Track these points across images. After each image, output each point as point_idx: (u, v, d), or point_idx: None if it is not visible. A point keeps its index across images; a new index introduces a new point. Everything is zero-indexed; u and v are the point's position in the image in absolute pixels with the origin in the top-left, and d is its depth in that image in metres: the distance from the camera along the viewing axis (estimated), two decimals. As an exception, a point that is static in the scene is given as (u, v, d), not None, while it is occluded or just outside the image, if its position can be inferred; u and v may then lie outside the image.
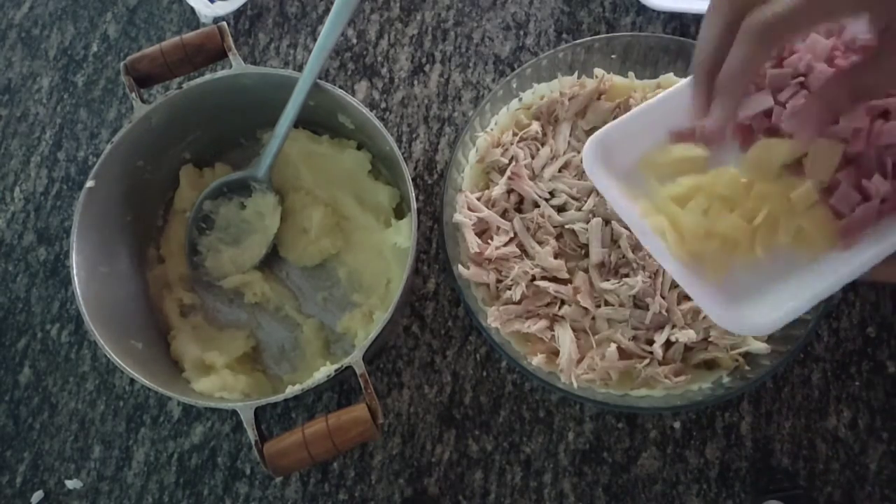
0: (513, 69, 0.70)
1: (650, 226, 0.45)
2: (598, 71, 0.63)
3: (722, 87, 0.38)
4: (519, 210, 0.61)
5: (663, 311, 0.56)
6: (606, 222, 0.59)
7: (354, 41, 0.73)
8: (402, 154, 0.58)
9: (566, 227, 0.59)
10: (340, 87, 0.67)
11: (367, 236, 0.64)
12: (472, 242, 0.59)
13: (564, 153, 0.62)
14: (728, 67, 0.37)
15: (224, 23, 0.61)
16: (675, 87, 0.47)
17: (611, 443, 0.60)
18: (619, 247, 0.58)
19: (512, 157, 0.61)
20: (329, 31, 0.58)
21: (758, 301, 0.44)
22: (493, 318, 0.57)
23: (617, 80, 0.63)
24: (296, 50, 0.73)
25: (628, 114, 0.48)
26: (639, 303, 0.57)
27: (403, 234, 0.60)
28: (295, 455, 0.50)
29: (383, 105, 0.71)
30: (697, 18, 0.70)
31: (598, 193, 0.59)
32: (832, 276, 0.42)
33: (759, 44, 0.36)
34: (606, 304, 0.58)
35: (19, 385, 0.67)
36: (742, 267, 0.45)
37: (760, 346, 0.55)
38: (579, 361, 0.56)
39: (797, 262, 0.44)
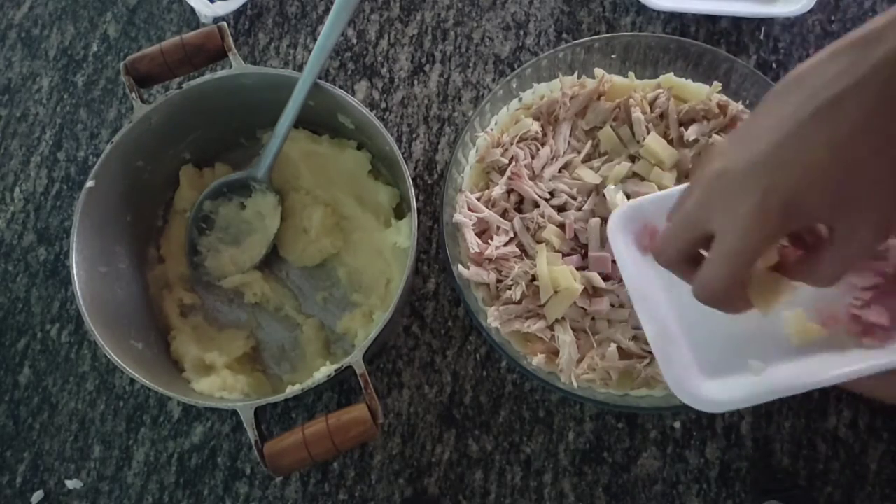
0: (513, 69, 0.70)
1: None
2: (598, 71, 0.63)
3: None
4: (519, 210, 0.61)
5: (663, 311, 0.56)
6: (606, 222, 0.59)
7: (354, 41, 0.73)
8: (402, 154, 0.58)
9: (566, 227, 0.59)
10: (340, 87, 0.67)
11: (367, 236, 0.64)
12: (472, 242, 0.59)
13: (564, 153, 0.62)
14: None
15: (224, 23, 0.61)
16: None
17: (611, 443, 0.60)
18: (619, 247, 0.58)
19: (512, 157, 0.61)
20: (329, 31, 0.58)
21: (724, 380, 0.45)
22: (493, 318, 0.57)
23: (617, 80, 0.63)
24: (296, 50, 0.73)
25: (663, 192, 0.51)
26: (639, 303, 0.57)
27: (403, 234, 0.60)
28: (295, 455, 0.50)
29: (383, 105, 0.71)
30: (697, 18, 0.70)
31: (597, 193, 0.60)
32: (800, 379, 0.44)
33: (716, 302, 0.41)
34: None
35: (19, 385, 0.67)
36: (727, 342, 0.46)
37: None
38: (579, 361, 0.56)
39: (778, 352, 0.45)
